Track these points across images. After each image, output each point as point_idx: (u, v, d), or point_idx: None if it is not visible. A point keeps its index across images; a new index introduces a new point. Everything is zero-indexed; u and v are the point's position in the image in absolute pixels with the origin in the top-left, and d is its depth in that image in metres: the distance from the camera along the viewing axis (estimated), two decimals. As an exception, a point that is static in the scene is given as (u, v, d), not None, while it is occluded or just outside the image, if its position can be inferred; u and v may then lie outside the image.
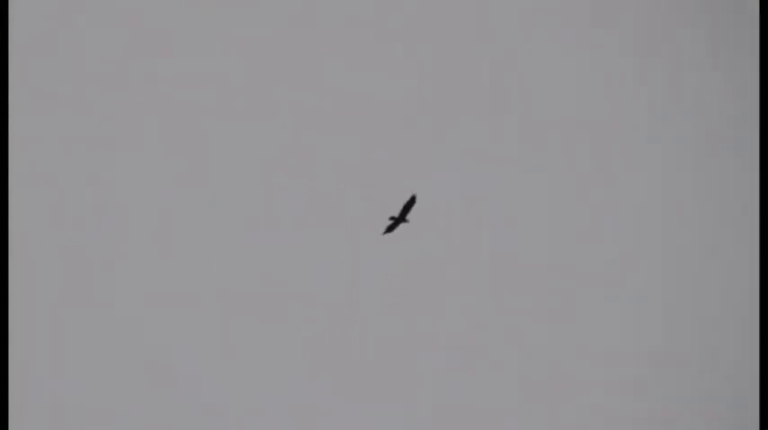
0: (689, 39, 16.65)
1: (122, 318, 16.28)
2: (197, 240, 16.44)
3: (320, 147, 16.66)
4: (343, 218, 16.42)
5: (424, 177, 16.56)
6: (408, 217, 16.09)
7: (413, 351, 16.39)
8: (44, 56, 16.52)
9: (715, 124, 16.60)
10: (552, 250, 16.45)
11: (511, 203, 16.59)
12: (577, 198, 16.53)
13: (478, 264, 16.47)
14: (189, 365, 16.18)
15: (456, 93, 16.75)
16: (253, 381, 16.23)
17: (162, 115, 16.55)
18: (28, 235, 16.38)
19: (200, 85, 16.65)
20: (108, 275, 16.37)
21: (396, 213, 16.17)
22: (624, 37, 16.66)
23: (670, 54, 16.64)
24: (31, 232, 16.33)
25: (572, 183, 16.51)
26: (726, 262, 16.37)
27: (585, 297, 16.33)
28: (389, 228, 16.12)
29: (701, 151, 16.57)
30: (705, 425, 16.05)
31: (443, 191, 16.61)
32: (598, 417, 16.05)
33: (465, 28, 16.74)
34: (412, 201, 16.02)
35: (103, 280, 16.38)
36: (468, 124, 16.68)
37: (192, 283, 16.35)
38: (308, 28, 16.69)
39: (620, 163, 16.55)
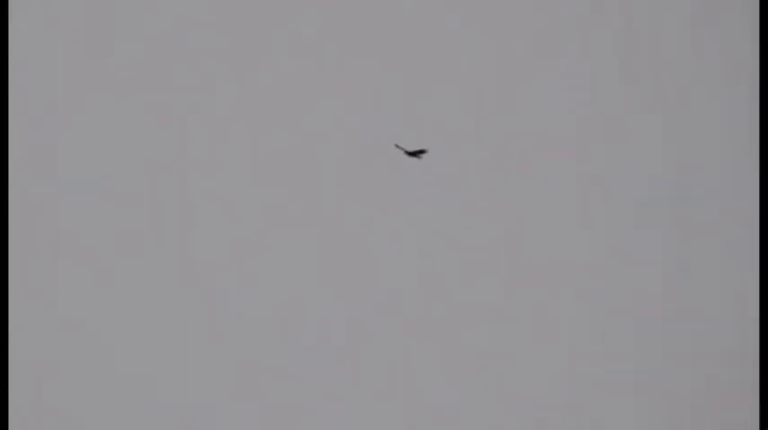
0: (689, 39, 16.65)
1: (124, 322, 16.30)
2: (201, 241, 16.45)
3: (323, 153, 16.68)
4: (344, 221, 16.45)
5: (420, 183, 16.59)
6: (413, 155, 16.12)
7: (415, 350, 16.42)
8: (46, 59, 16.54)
9: (716, 124, 16.60)
10: (547, 251, 16.46)
11: (502, 209, 16.61)
12: (574, 198, 16.54)
13: (478, 265, 16.49)
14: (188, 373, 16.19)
15: (448, 99, 16.76)
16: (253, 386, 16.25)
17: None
18: (32, 235, 16.39)
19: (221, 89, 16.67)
20: (111, 276, 16.39)
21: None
22: (621, 38, 16.66)
23: (667, 53, 16.66)
24: (34, 232, 16.34)
25: (566, 185, 16.52)
26: (726, 261, 16.37)
27: (584, 296, 16.34)
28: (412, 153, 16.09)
29: (702, 152, 16.57)
30: (705, 425, 16.05)
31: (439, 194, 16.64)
32: (597, 417, 16.05)
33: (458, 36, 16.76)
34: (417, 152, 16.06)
35: (104, 280, 16.39)
36: (461, 130, 16.70)
37: (202, 287, 16.36)
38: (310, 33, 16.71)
39: (618, 162, 16.56)
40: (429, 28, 16.80)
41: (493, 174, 16.59)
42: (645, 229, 16.48)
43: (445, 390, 16.17)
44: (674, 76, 16.65)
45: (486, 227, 16.58)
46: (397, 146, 16.08)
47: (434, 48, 16.79)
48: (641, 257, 16.46)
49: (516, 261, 16.47)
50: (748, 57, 16.42)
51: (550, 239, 16.47)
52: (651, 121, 16.55)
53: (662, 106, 16.58)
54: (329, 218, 16.50)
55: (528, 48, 16.74)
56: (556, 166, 16.57)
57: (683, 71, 16.62)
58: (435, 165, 16.61)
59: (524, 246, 16.52)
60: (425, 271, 16.43)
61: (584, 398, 16.27)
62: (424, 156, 16.06)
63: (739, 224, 16.48)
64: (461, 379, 16.19)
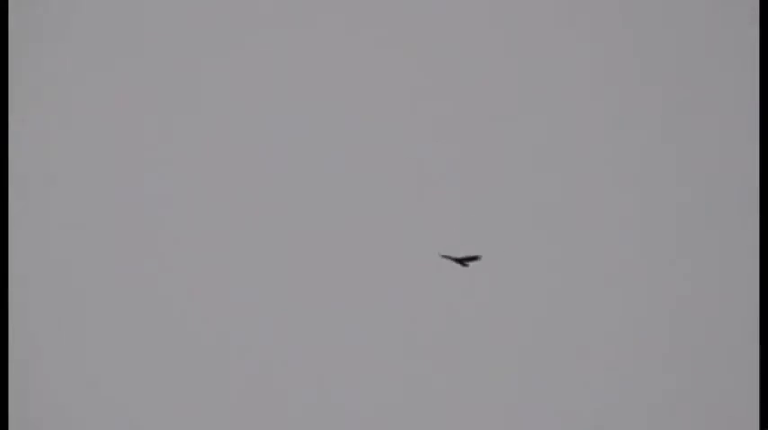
0: (694, 39, 16.65)
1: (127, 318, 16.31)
2: (204, 241, 16.46)
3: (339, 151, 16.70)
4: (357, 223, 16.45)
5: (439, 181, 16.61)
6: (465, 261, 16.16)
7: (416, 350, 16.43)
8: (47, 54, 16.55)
9: (715, 123, 16.60)
10: (555, 248, 16.47)
11: (514, 201, 16.62)
12: (584, 196, 16.54)
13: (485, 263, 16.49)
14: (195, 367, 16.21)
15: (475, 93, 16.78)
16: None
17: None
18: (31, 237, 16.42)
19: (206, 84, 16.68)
20: (111, 275, 16.40)
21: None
22: (634, 39, 16.66)
23: (676, 52, 16.64)
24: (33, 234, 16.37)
25: (579, 181, 16.52)
26: (726, 260, 16.36)
27: (586, 294, 16.34)
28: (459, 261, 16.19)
29: (705, 149, 16.58)
30: (705, 425, 16.05)
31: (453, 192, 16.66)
32: (594, 417, 16.05)
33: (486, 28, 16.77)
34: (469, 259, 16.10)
35: (106, 280, 16.41)
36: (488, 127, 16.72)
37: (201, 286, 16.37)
38: (318, 29, 16.72)
39: (626, 162, 16.56)
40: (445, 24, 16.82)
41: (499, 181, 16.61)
42: (647, 227, 16.49)
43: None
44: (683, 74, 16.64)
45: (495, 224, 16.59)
46: (444, 256, 16.10)
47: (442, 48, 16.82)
48: (641, 256, 16.47)
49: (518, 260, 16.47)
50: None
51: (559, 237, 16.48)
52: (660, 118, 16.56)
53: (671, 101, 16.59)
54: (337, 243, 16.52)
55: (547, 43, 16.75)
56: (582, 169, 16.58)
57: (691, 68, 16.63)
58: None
59: (527, 245, 16.53)
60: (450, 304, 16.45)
61: (581, 398, 16.27)
62: (474, 262, 16.09)
63: (740, 222, 16.49)
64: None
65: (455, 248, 16.66)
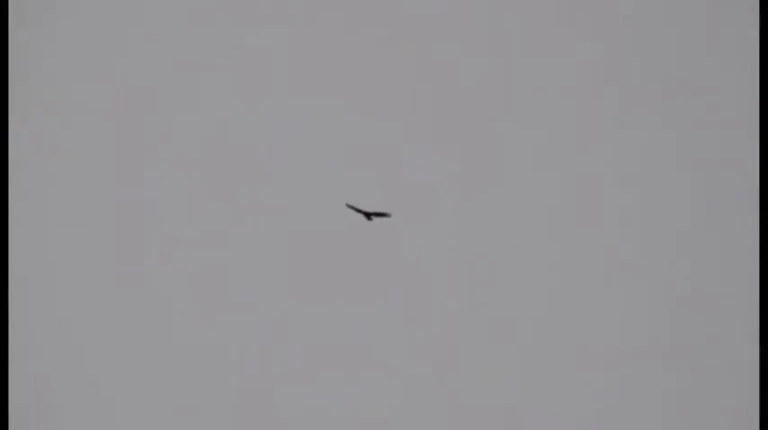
0: (695, 38, 16.64)
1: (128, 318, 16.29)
2: (201, 240, 16.45)
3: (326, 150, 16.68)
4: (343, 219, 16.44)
5: (424, 173, 16.60)
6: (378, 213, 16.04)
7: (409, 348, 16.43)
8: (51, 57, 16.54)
9: (715, 123, 16.60)
10: (554, 247, 16.45)
11: (512, 200, 16.61)
12: (584, 196, 16.53)
13: (478, 261, 16.47)
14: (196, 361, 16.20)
15: (465, 91, 16.77)
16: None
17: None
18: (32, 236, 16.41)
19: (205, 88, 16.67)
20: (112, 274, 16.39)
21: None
22: (633, 39, 16.66)
23: (676, 52, 16.64)
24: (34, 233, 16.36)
25: (579, 181, 16.51)
26: (727, 260, 16.35)
27: (586, 294, 16.33)
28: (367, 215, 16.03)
29: (704, 148, 16.57)
30: (705, 425, 16.05)
31: (443, 186, 16.65)
32: (594, 417, 16.04)
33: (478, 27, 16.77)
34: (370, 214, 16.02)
35: (106, 278, 16.40)
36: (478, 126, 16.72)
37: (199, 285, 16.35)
38: (312, 29, 16.71)
39: (626, 162, 16.55)
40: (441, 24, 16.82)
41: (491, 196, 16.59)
42: (647, 227, 16.49)
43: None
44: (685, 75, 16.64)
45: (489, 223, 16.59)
46: (349, 206, 15.98)
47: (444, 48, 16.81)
48: (641, 256, 16.46)
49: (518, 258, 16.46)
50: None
51: (558, 236, 16.47)
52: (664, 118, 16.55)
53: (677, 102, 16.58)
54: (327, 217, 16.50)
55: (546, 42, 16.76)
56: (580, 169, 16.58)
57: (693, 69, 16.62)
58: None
59: (527, 242, 16.52)
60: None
61: (578, 399, 16.27)
62: (379, 218, 15.98)
63: (740, 222, 16.49)
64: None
65: (454, 249, 16.67)
